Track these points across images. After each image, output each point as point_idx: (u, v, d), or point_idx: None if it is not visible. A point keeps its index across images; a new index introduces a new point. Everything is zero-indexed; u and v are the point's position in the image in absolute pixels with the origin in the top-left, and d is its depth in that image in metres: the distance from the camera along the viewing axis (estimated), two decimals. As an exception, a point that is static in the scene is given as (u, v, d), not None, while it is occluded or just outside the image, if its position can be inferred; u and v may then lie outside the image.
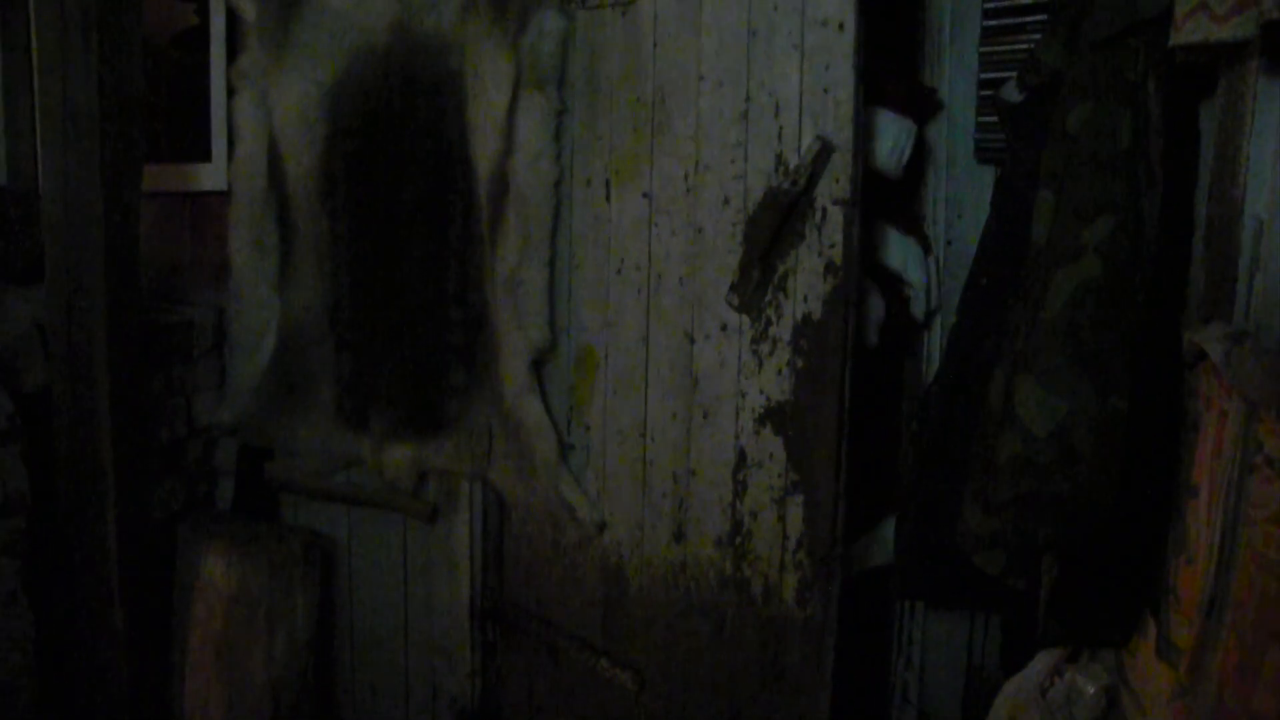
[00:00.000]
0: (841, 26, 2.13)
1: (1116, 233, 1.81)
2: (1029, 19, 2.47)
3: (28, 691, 2.58)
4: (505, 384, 2.62)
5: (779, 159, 2.23)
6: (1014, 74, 2.27)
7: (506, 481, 2.72)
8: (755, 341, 2.30)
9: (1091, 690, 1.98)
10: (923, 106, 2.62)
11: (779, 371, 2.28)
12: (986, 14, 2.58)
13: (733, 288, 2.31)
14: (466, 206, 2.62)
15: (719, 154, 2.32)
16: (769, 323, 2.28)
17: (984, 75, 2.61)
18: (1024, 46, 2.41)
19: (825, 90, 2.16)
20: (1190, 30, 1.65)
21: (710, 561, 2.42)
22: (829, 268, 2.19)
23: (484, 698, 2.89)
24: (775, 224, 2.22)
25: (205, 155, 2.99)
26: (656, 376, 2.47)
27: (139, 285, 2.59)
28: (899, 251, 2.62)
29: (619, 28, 2.44)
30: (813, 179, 2.19)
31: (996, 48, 2.56)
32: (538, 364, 2.62)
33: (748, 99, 2.27)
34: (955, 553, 2.03)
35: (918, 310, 2.66)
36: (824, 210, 2.18)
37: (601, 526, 2.60)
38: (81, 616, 2.60)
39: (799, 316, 2.24)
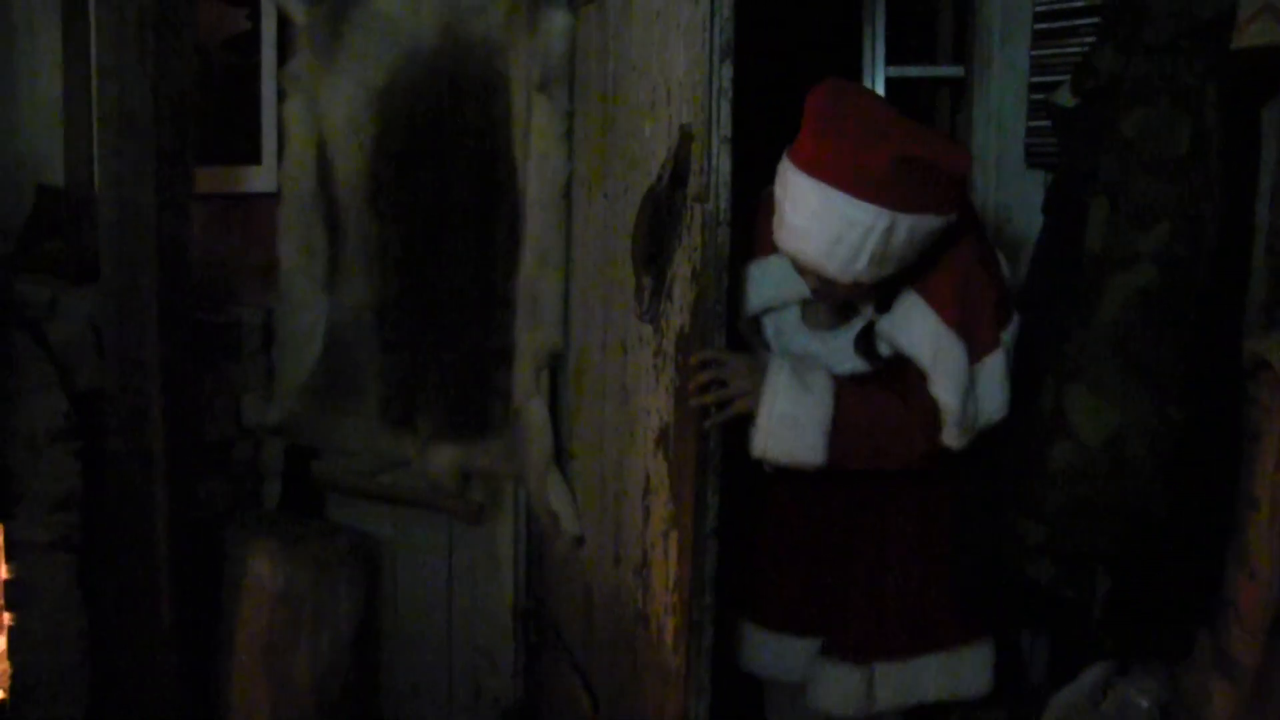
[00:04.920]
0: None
1: (1174, 240, 1.79)
2: (1081, 22, 2.44)
3: (80, 686, 2.62)
4: (517, 386, 2.62)
5: (669, 151, 1.97)
6: (1066, 78, 2.25)
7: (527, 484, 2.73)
8: (655, 355, 2.07)
9: (1145, 704, 1.96)
10: (933, 186, 1.82)
11: (666, 389, 2.03)
12: (1038, 17, 2.55)
13: (635, 295, 2.13)
14: (512, 209, 2.63)
15: (639, 149, 2.12)
16: (662, 335, 2.05)
17: (1035, 79, 2.58)
18: (1076, 50, 2.38)
19: (695, 73, 1.86)
20: (1255, 33, 1.62)
21: (630, 592, 2.24)
22: (694, 274, 1.91)
23: (526, 698, 2.90)
24: (650, 225, 2.03)
25: (255, 158, 3.02)
26: (610, 388, 2.32)
27: (190, 286, 2.62)
28: (925, 339, 1.96)
29: (595, 25, 2.38)
30: (678, 174, 1.93)
31: (1048, 51, 2.54)
32: (551, 368, 2.60)
33: (654, 88, 2.04)
34: (1004, 564, 2.01)
35: (950, 438, 1.97)
36: (692, 210, 1.90)
37: (580, 540, 2.51)
38: (131, 613, 2.63)
39: (678, 328, 1.98)
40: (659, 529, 2.08)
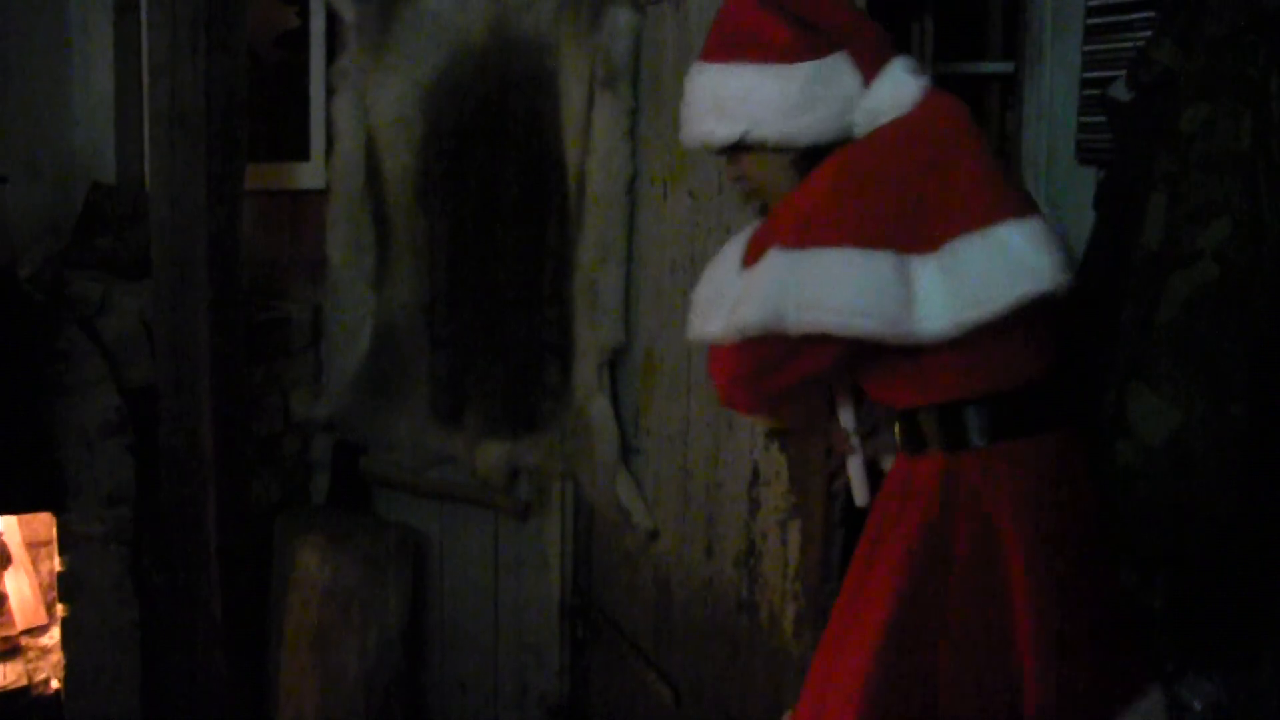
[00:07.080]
0: None
1: (1235, 236, 1.76)
2: (1137, 15, 2.41)
3: (133, 677, 2.65)
4: (577, 382, 2.63)
5: None
6: (1120, 73, 2.22)
7: (583, 481, 2.73)
8: None
9: (1198, 706, 1.92)
10: None
11: None
12: (1091, 11, 2.52)
13: None
14: (562, 206, 2.64)
15: None
16: None
17: (1087, 74, 2.55)
18: (1130, 44, 2.35)
19: None
20: (1323, 26, 1.59)
21: (730, 582, 2.28)
22: None
23: (573, 695, 2.91)
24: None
25: (304, 154, 3.05)
26: (695, 382, 2.35)
27: (241, 282, 2.64)
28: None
29: (673, 23, 2.38)
30: None
31: (1101, 46, 2.51)
32: (612, 364, 2.61)
33: None
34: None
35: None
36: None
37: (654, 535, 2.53)
38: (182, 606, 2.66)
39: None
40: (773, 518, 2.13)
